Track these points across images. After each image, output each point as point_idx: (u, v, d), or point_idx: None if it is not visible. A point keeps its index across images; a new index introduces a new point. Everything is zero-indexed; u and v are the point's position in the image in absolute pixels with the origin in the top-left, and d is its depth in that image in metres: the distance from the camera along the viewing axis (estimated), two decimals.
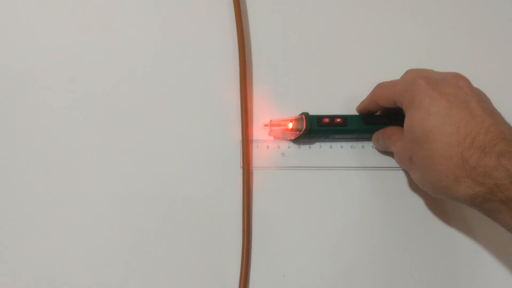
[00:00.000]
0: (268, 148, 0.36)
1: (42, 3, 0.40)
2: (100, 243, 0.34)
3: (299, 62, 0.39)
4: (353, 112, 0.36)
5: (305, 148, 0.36)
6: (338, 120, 0.34)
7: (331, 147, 0.36)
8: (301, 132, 0.34)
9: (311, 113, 0.34)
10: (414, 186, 0.35)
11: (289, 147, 0.36)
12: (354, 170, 0.36)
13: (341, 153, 0.36)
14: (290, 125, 0.34)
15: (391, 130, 0.33)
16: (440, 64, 0.32)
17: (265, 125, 0.36)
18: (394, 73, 0.33)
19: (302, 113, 0.34)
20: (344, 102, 0.37)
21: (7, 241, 0.34)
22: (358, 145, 0.36)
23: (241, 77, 0.36)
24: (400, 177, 0.36)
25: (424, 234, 0.34)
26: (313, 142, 0.36)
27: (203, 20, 0.40)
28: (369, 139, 0.36)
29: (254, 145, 0.36)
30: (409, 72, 0.32)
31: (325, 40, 0.40)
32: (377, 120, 0.35)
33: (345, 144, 0.36)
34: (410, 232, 0.34)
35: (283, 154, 0.36)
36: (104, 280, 0.33)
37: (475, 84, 0.29)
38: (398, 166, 0.35)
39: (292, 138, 0.36)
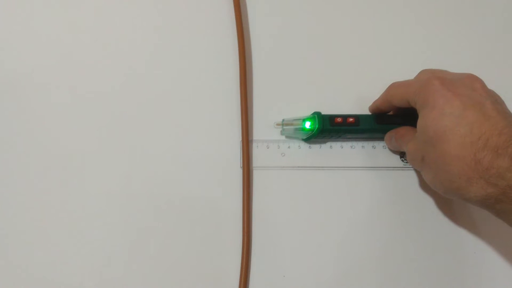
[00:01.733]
0: (268, 148, 0.36)
1: (41, 3, 0.40)
2: (100, 243, 0.34)
3: (300, 62, 0.39)
4: (360, 112, 0.36)
5: (305, 148, 0.36)
6: (351, 119, 0.34)
7: (331, 147, 0.36)
8: (314, 132, 0.34)
9: (311, 113, 0.34)
10: (423, 186, 0.35)
11: (289, 147, 0.36)
12: (354, 170, 0.36)
13: (341, 153, 0.36)
14: (303, 124, 0.34)
15: (404, 130, 0.33)
16: (454, 65, 0.32)
17: (278, 124, 0.36)
18: (406, 73, 0.33)
19: (315, 113, 0.34)
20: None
21: (7, 241, 0.34)
22: (358, 145, 0.36)
23: (241, 77, 0.36)
24: (410, 177, 0.36)
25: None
26: (325, 142, 0.36)
27: (203, 20, 0.40)
28: (379, 139, 0.36)
29: (254, 145, 0.36)
30: (424, 72, 0.32)
31: (328, 40, 0.39)
32: (389, 120, 0.35)
33: (345, 144, 0.36)
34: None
35: (283, 154, 0.36)
36: (104, 280, 0.33)
37: (490, 86, 0.29)
38: (407, 166, 0.35)
39: (304, 137, 0.36)
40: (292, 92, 0.38)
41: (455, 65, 0.32)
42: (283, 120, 0.35)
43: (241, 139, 0.35)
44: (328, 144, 0.36)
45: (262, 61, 0.39)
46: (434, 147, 0.28)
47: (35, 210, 0.34)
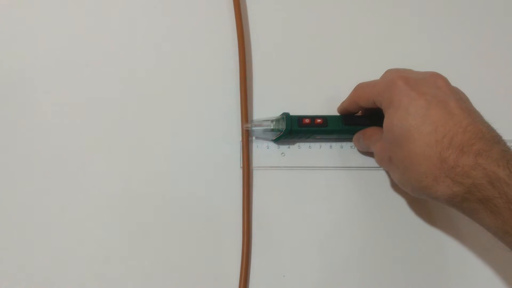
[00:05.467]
0: (268, 148, 0.36)
1: (41, 4, 0.40)
2: (100, 243, 0.34)
3: (300, 61, 0.39)
4: (335, 112, 0.36)
5: (305, 148, 0.36)
6: (319, 120, 0.34)
7: (330, 147, 0.36)
8: (282, 133, 0.34)
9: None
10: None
11: (289, 147, 0.36)
12: (355, 170, 0.36)
13: (341, 153, 0.36)
14: (271, 126, 0.35)
15: (371, 131, 0.33)
16: (420, 64, 0.32)
17: (246, 126, 0.35)
18: (374, 73, 0.33)
19: (283, 114, 0.35)
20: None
21: (7, 241, 0.34)
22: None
23: (241, 77, 0.36)
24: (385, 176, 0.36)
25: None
26: (294, 143, 0.36)
27: (203, 20, 0.40)
28: (350, 139, 0.36)
29: (254, 145, 0.36)
30: (388, 72, 0.32)
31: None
32: (357, 120, 0.35)
33: (345, 144, 0.36)
34: (410, 236, 0.34)
35: (283, 154, 0.36)
36: (104, 280, 0.33)
37: (455, 83, 0.29)
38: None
39: (273, 138, 0.36)
40: (292, 91, 0.38)
41: (422, 65, 0.32)
42: (252, 121, 0.35)
43: (241, 139, 0.35)
44: (328, 144, 0.36)
45: (262, 61, 0.39)
46: (400, 147, 0.28)
47: (35, 210, 0.34)
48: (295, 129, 0.34)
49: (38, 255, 0.33)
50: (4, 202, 0.34)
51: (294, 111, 0.36)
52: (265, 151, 0.36)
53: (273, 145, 0.36)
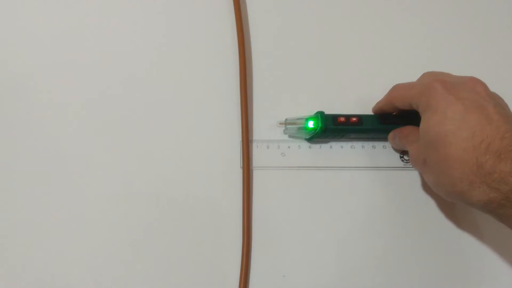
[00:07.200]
0: (268, 148, 0.36)
1: (42, 4, 0.40)
2: (100, 243, 0.34)
3: (300, 62, 0.39)
4: (366, 112, 0.36)
5: (305, 148, 0.36)
6: (354, 119, 0.34)
7: (331, 147, 0.36)
8: (317, 131, 0.34)
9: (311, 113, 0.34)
10: (425, 186, 0.35)
11: (289, 147, 0.36)
12: (354, 170, 0.36)
13: (341, 153, 0.36)
14: (306, 124, 0.34)
15: (408, 130, 0.33)
16: (456, 67, 0.32)
17: (280, 123, 0.35)
18: (409, 75, 0.33)
19: (318, 112, 0.34)
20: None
21: (7, 241, 0.34)
22: (358, 145, 0.36)
23: (241, 77, 0.36)
24: (410, 177, 0.36)
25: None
26: (327, 142, 0.36)
27: (203, 20, 0.40)
28: (383, 139, 0.36)
29: (254, 145, 0.36)
30: (426, 74, 0.31)
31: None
32: (393, 120, 0.34)
33: (345, 144, 0.36)
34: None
35: (283, 154, 0.36)
36: (104, 280, 0.33)
37: (493, 88, 0.29)
38: (407, 166, 0.35)
39: (307, 137, 0.36)
40: (292, 92, 0.38)
41: (457, 66, 0.32)
42: (286, 119, 0.35)
43: (241, 139, 0.35)
44: (329, 144, 0.36)
45: (262, 61, 0.39)
46: (436, 151, 0.27)
47: (37, 210, 0.34)
48: (330, 127, 0.34)
49: (38, 255, 0.33)
50: (4, 202, 0.34)
51: (295, 112, 0.36)
52: (265, 151, 0.36)
53: (273, 145, 0.36)
